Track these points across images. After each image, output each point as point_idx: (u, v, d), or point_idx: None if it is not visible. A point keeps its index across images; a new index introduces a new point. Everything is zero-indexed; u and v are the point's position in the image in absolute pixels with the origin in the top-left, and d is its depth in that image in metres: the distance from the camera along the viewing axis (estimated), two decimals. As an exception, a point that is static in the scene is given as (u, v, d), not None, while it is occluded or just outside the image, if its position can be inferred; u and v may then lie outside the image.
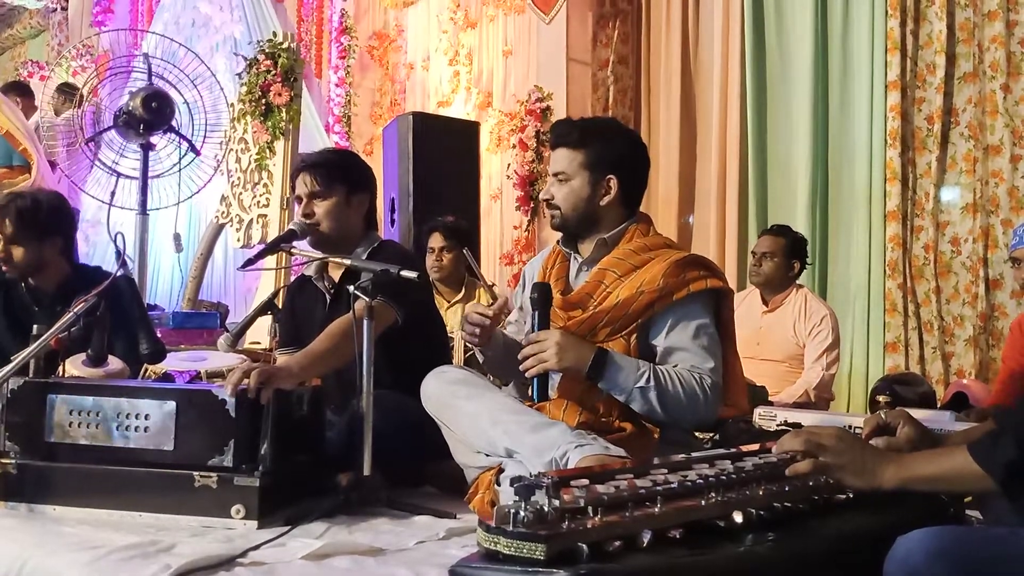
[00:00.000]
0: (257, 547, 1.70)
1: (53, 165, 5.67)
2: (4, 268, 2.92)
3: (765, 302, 3.96)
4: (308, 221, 2.51)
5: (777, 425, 2.70)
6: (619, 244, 2.25)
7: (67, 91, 5.93)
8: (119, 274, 2.37)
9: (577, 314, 2.20)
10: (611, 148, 2.26)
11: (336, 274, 2.59)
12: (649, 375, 2.06)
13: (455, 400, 2.10)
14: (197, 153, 4.79)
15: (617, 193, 2.24)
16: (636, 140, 2.41)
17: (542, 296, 2.16)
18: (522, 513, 1.21)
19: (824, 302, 4.05)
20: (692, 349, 2.15)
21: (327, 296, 2.60)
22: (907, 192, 4.75)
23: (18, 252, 2.88)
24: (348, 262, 2.35)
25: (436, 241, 4.12)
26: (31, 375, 2.09)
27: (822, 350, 3.75)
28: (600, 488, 1.35)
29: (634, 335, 2.16)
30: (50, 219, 2.92)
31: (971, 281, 4.60)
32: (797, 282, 4.01)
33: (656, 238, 2.29)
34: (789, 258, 3.91)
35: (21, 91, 6.36)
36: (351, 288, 2.16)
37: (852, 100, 5.05)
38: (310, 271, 2.66)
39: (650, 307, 2.14)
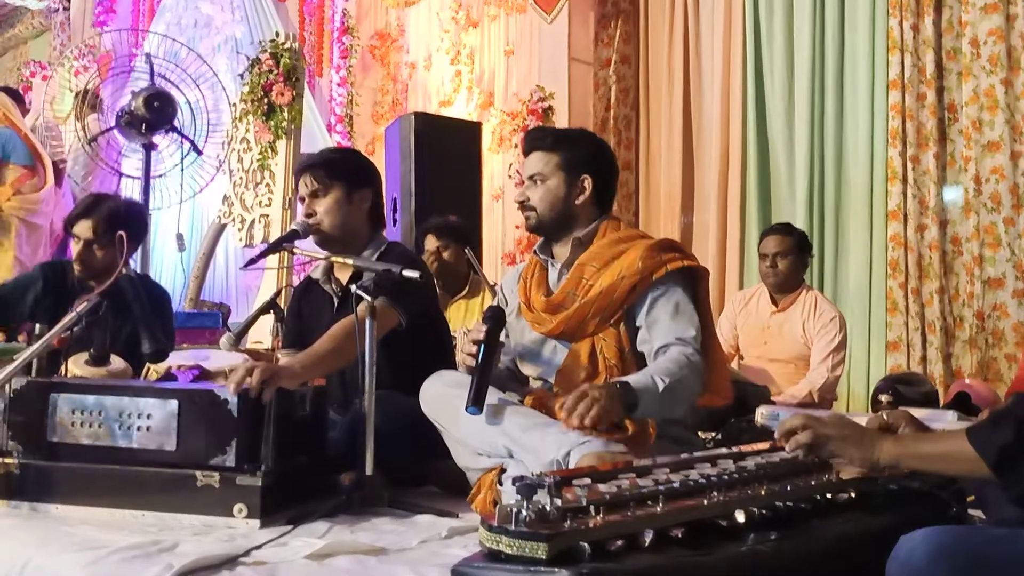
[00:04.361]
0: (259, 546, 1.70)
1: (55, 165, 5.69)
2: (79, 268, 2.96)
3: (775, 302, 3.96)
4: (310, 221, 2.51)
5: (780, 431, 2.69)
6: (593, 241, 2.30)
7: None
8: (134, 274, 2.37)
9: (563, 313, 2.22)
10: (584, 150, 2.36)
11: (343, 276, 2.58)
12: (656, 374, 2.05)
13: (454, 403, 2.09)
14: (199, 153, 4.80)
15: (591, 193, 2.32)
16: (606, 145, 2.53)
17: (494, 322, 2.12)
18: (524, 512, 1.22)
19: (833, 304, 4.05)
20: (673, 319, 2.18)
21: (334, 299, 2.59)
22: (908, 191, 4.74)
23: (100, 254, 2.94)
24: (351, 262, 2.35)
25: (430, 243, 4.04)
26: (34, 374, 2.10)
27: (828, 351, 3.75)
28: (602, 487, 1.35)
29: (622, 322, 2.20)
30: (135, 227, 2.95)
31: (972, 280, 4.58)
32: (806, 283, 4.02)
33: (628, 231, 2.35)
34: (800, 254, 3.93)
35: (12, 97, 6.35)
36: (353, 288, 2.17)
37: (853, 99, 5.05)
38: (316, 274, 2.65)
39: (633, 290, 2.19)
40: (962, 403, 3.42)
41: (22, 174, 5.60)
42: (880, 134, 4.88)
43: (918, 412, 2.02)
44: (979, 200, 4.55)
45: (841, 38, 5.12)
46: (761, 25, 5.50)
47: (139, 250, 4.49)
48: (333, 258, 2.50)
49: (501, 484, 2.00)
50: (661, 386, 2.03)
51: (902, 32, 4.75)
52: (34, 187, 5.56)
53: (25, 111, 6.16)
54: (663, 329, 2.18)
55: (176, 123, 4.66)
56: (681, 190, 5.93)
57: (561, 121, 5.96)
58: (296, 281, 4.40)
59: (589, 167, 2.32)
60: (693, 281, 2.28)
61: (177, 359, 2.97)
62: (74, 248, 2.97)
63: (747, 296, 4.15)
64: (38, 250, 5.43)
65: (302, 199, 2.56)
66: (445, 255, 4.06)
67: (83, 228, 2.95)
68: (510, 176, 6.29)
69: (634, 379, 2.05)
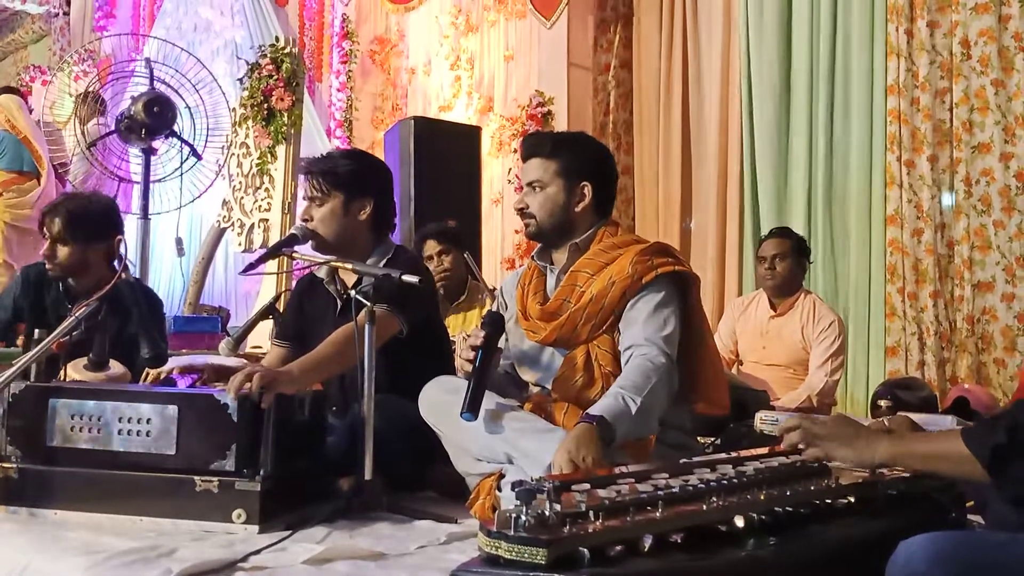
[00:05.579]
0: (258, 552, 1.70)
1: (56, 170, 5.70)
2: (48, 266, 2.98)
3: (773, 306, 3.95)
4: (307, 225, 2.51)
5: (779, 430, 2.69)
6: (590, 247, 2.28)
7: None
8: (133, 279, 2.37)
9: (556, 321, 2.21)
10: (583, 156, 2.33)
11: (349, 280, 2.55)
12: (627, 394, 2.00)
13: (453, 408, 2.08)
14: (199, 157, 4.79)
15: (591, 200, 2.30)
16: (606, 150, 2.50)
17: (493, 328, 2.12)
18: (523, 517, 1.21)
19: (832, 309, 4.05)
20: (647, 320, 2.14)
21: (338, 301, 2.57)
22: (906, 196, 4.74)
23: (63, 251, 2.94)
24: (350, 266, 2.35)
25: (431, 248, 3.99)
26: (33, 379, 2.09)
27: (827, 356, 3.74)
28: (601, 492, 1.35)
29: (616, 328, 2.18)
30: (98, 223, 2.97)
31: (963, 283, 4.57)
32: (805, 288, 4.02)
33: (624, 236, 2.33)
34: (799, 256, 3.93)
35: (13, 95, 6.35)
36: (353, 292, 2.16)
37: (849, 105, 5.05)
38: (321, 273, 2.62)
39: (623, 296, 2.17)
40: (961, 408, 3.43)
41: (8, 178, 5.61)
42: (879, 139, 4.88)
43: (917, 417, 2.03)
44: (969, 203, 4.54)
45: (835, 44, 5.12)
46: (756, 31, 5.50)
47: (137, 255, 4.50)
48: (333, 263, 2.50)
49: (500, 489, 2.00)
50: (634, 408, 1.98)
51: (899, 37, 4.76)
52: (23, 191, 5.56)
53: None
54: (635, 329, 2.15)
55: (176, 128, 4.66)
56: (680, 195, 5.93)
57: (560, 126, 5.97)
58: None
59: (588, 173, 2.30)
60: (683, 287, 2.25)
61: (173, 364, 2.97)
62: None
63: (746, 301, 4.15)
64: (36, 255, 5.42)
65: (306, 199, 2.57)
66: (444, 261, 4.04)
67: (49, 225, 2.98)
68: (509, 181, 6.30)
69: (606, 407, 1.97)
